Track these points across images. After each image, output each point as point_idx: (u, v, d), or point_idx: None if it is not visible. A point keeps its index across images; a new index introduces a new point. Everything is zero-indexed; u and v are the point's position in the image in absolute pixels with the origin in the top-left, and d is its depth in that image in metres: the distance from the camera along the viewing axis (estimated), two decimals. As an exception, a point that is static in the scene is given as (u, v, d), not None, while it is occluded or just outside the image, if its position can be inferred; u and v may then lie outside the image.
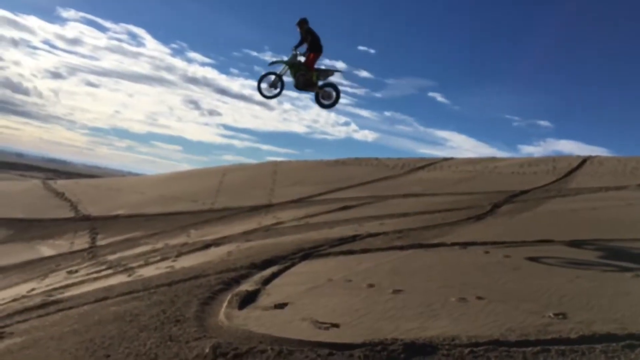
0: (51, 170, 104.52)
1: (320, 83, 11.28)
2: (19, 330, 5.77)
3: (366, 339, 3.86)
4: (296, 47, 11.06)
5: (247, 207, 18.77)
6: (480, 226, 11.38)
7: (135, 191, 24.79)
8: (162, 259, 10.65)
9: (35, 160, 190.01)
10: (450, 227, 11.02)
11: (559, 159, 28.72)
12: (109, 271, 10.39)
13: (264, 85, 11.38)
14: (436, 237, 9.69)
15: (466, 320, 4.39)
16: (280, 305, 5.18)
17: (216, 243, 11.93)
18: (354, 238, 10.04)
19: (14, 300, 8.60)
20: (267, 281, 6.48)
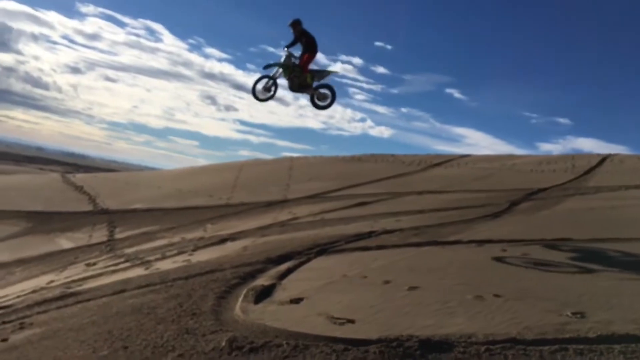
0: (70, 164, 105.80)
1: (315, 84, 11.06)
2: (39, 321, 5.86)
3: (382, 335, 3.85)
4: (288, 46, 10.83)
5: (263, 202, 18.84)
6: (498, 224, 11.29)
7: (152, 185, 25.01)
8: (179, 253, 10.75)
9: (55, 154, 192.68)
10: (467, 225, 10.95)
11: (578, 156, 28.36)
12: (127, 264, 10.51)
13: (258, 89, 11.15)
14: (452, 235, 9.63)
15: (483, 318, 4.36)
16: (296, 300, 5.20)
17: (232, 238, 12.00)
18: (369, 234, 10.03)
19: (34, 291, 8.75)
20: (282, 276, 6.50)
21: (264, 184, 22.95)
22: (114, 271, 9.75)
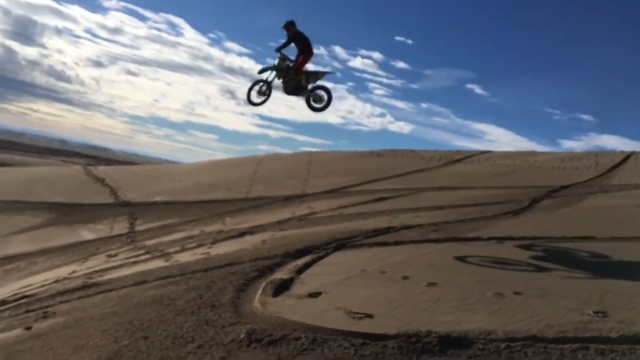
0: (92, 157, 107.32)
1: (310, 86, 10.88)
2: (61, 310, 5.97)
3: (400, 330, 3.84)
4: (279, 48, 10.65)
5: (281, 196, 18.88)
6: (518, 221, 11.17)
7: (172, 179, 25.22)
8: (198, 246, 10.83)
9: (77, 146, 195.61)
10: (487, 221, 10.86)
11: (601, 154, 27.89)
12: (147, 256, 10.63)
13: (253, 93, 11.01)
14: (472, 231, 9.56)
15: (503, 315, 4.32)
16: (314, 294, 5.21)
17: (251, 231, 12.05)
18: (388, 230, 10.00)
19: (56, 281, 8.90)
20: (301, 270, 6.51)
21: (282, 178, 23.00)
22: (134, 262, 9.87)
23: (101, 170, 29.60)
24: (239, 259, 7.39)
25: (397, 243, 8.50)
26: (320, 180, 21.53)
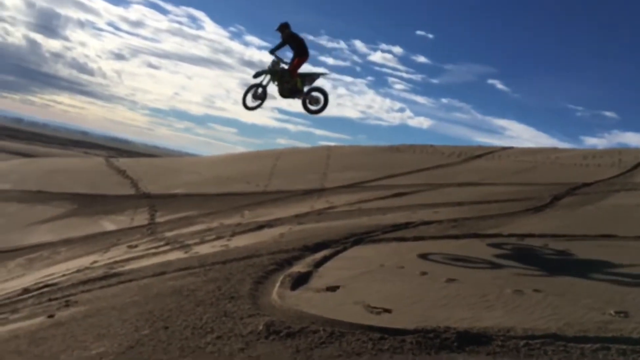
0: (113, 149, 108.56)
1: (306, 89, 10.69)
2: (83, 299, 6.07)
3: (418, 325, 3.83)
4: (273, 50, 10.47)
5: (299, 190, 18.91)
6: (539, 218, 11.04)
7: (192, 171, 25.41)
8: (217, 238, 10.92)
9: (99, 138, 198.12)
10: (508, 218, 10.75)
11: (625, 151, 27.34)
12: (167, 247, 10.75)
13: (248, 98, 10.86)
14: (492, 228, 9.48)
15: (522, 313, 4.29)
16: (332, 288, 5.22)
17: (269, 224, 12.11)
18: (407, 225, 9.96)
19: (78, 271, 9.05)
20: (319, 264, 6.53)
21: (301, 172, 23.02)
22: (154, 254, 9.99)
23: (122, 162, 29.93)
24: (257, 252, 7.44)
25: (415, 239, 8.48)
26: (339, 175, 21.51)
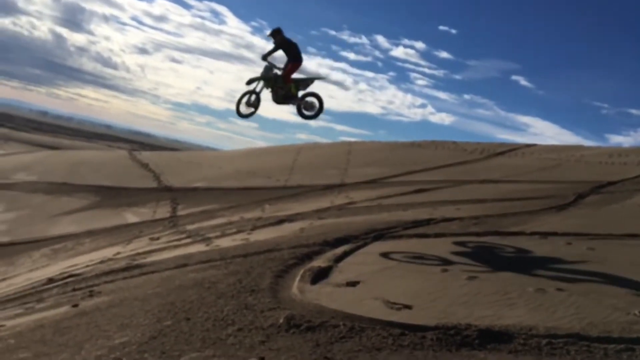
0: (136, 142, 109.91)
1: (300, 94, 10.48)
2: (107, 289, 6.17)
3: (439, 322, 3.81)
4: (266, 56, 10.29)
5: (320, 185, 18.92)
6: (563, 216, 10.88)
7: (213, 165, 25.59)
8: (238, 232, 10.99)
9: (122, 132, 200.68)
10: (530, 216, 10.62)
11: (652, 149, 26.80)
12: (188, 240, 10.86)
13: (242, 106, 10.66)
14: (515, 226, 9.37)
15: (544, 311, 4.23)
16: (352, 283, 5.22)
17: (289, 219, 12.15)
18: (428, 222, 9.90)
19: (102, 262, 9.21)
20: (339, 259, 6.54)
21: (321, 167, 23.02)
22: (176, 246, 10.10)
23: (145, 155, 30.28)
24: (277, 246, 7.47)
25: (437, 235, 8.42)
26: (359, 170, 21.46)
